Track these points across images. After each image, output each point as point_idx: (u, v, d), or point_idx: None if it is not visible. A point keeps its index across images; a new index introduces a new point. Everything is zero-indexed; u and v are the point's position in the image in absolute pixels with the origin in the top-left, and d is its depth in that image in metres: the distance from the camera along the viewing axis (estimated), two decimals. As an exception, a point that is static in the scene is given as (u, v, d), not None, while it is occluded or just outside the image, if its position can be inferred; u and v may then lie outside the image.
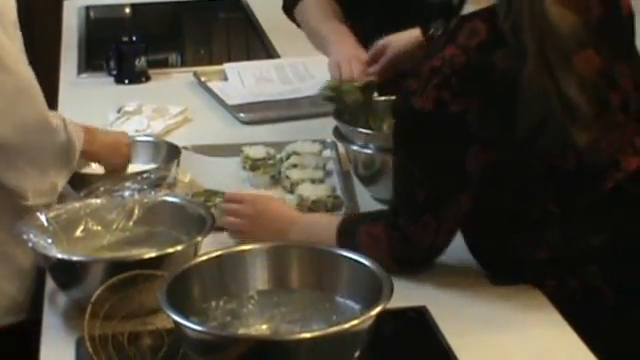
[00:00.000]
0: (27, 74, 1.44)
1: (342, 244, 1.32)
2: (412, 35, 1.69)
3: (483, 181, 1.27)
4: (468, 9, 1.25)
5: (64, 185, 1.49)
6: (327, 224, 1.39)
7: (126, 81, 2.20)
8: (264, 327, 1.15)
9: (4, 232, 1.42)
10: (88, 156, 1.57)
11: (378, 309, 1.08)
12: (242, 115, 1.98)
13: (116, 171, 1.60)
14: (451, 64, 1.20)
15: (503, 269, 1.35)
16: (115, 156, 1.61)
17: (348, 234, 1.35)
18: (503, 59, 1.19)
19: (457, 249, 1.39)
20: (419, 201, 1.28)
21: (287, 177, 1.66)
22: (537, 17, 1.17)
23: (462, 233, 1.39)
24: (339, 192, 1.62)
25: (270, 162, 1.71)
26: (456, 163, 1.24)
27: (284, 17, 2.71)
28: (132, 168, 1.62)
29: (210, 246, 1.31)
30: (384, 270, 1.14)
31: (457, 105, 1.20)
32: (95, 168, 1.67)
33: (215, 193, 1.55)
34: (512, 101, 1.19)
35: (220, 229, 1.41)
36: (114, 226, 1.37)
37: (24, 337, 1.36)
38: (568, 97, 1.19)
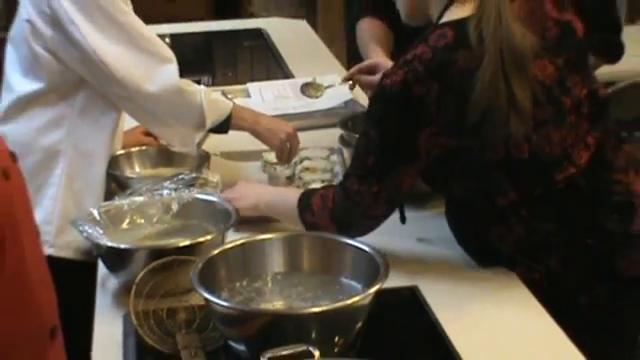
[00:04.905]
0: (167, 48, 1.59)
1: (300, 204, 1.34)
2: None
3: (446, 167, 1.27)
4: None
5: (200, 141, 1.63)
6: (291, 194, 1.40)
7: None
8: (281, 303, 1.16)
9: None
10: (246, 130, 1.67)
11: (376, 288, 1.09)
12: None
13: (280, 154, 1.67)
14: (420, 58, 1.21)
15: (481, 255, 1.35)
16: (270, 134, 1.66)
17: (307, 197, 1.35)
18: (464, 58, 1.20)
19: (445, 236, 1.39)
20: (370, 164, 1.27)
21: (300, 178, 1.67)
22: (501, 29, 1.19)
23: (448, 223, 1.39)
24: (344, 191, 1.62)
25: (286, 166, 1.72)
26: (410, 138, 1.24)
27: (297, 44, 2.72)
28: (169, 172, 1.62)
29: (235, 236, 1.32)
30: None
31: (419, 88, 1.20)
32: (139, 171, 1.69)
33: None
34: (467, 93, 1.19)
35: (243, 222, 1.42)
36: (154, 219, 1.38)
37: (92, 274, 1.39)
38: (515, 95, 1.19)
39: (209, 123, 1.61)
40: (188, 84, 1.60)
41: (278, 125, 1.69)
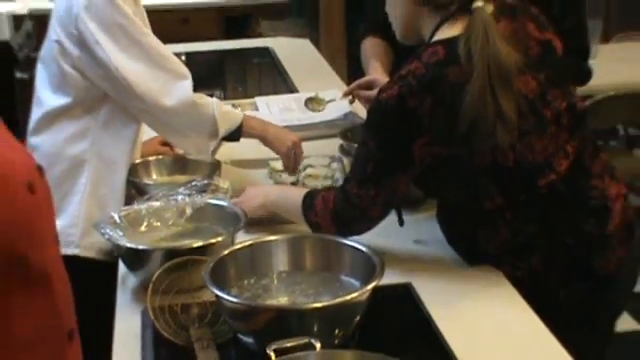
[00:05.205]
0: (183, 66, 1.59)
1: (304, 204, 1.34)
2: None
3: (438, 174, 1.27)
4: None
5: (215, 148, 1.63)
6: (295, 193, 1.40)
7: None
8: (285, 299, 1.16)
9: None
10: (256, 138, 1.67)
11: (373, 285, 1.08)
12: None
13: (287, 160, 1.66)
14: (414, 74, 1.21)
15: (470, 255, 1.35)
16: (278, 142, 1.66)
17: (310, 197, 1.35)
18: (454, 74, 1.20)
19: (437, 237, 1.39)
20: (368, 171, 1.27)
21: (304, 184, 1.66)
22: (488, 48, 1.19)
23: (439, 225, 1.39)
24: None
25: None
26: (405, 147, 1.24)
27: (301, 61, 2.72)
28: (184, 179, 1.62)
29: (243, 237, 1.31)
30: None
31: (413, 101, 1.20)
32: (156, 179, 1.69)
33: None
34: (457, 106, 1.19)
35: (251, 224, 1.42)
36: (170, 222, 1.37)
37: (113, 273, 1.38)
38: (501, 107, 1.19)
39: (222, 132, 1.61)
40: (201, 97, 1.61)
41: (285, 134, 1.69)
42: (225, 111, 1.63)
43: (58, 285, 0.75)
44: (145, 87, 1.53)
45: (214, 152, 1.65)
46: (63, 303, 0.76)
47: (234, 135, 1.65)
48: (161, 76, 1.55)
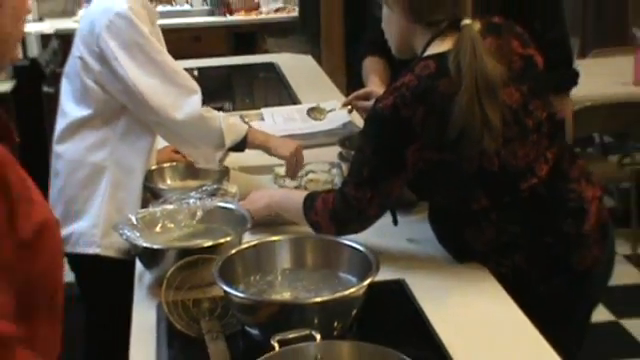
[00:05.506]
0: (193, 81, 1.58)
1: (305, 205, 1.33)
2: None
3: (429, 177, 1.26)
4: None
5: (222, 158, 1.62)
6: (297, 195, 1.40)
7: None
8: (288, 294, 1.15)
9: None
10: (260, 149, 1.66)
11: (369, 281, 1.08)
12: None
13: (289, 165, 1.65)
14: (407, 85, 1.21)
15: (458, 253, 1.35)
16: (282, 148, 1.65)
17: (311, 199, 1.35)
18: (444, 85, 1.20)
19: (429, 237, 1.38)
20: (364, 175, 1.27)
21: (305, 188, 1.65)
22: (476, 62, 1.20)
23: (430, 225, 1.38)
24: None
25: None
26: (398, 153, 1.24)
27: (304, 75, 2.72)
28: (195, 184, 1.62)
29: (250, 237, 1.31)
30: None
31: (406, 110, 1.21)
32: (169, 184, 1.69)
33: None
34: (447, 115, 1.19)
35: (257, 226, 1.42)
36: (182, 224, 1.37)
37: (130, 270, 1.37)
38: (488, 116, 1.20)
39: (228, 143, 1.62)
40: (209, 111, 1.61)
41: (286, 142, 1.69)
42: (231, 124, 1.63)
43: (63, 315, 0.77)
44: (158, 101, 1.54)
45: (221, 161, 1.65)
46: (62, 333, 0.78)
47: (239, 146, 1.65)
48: (173, 91, 1.55)
